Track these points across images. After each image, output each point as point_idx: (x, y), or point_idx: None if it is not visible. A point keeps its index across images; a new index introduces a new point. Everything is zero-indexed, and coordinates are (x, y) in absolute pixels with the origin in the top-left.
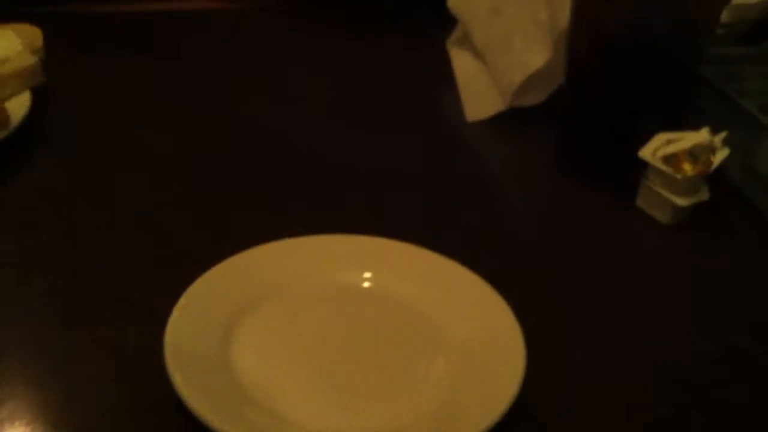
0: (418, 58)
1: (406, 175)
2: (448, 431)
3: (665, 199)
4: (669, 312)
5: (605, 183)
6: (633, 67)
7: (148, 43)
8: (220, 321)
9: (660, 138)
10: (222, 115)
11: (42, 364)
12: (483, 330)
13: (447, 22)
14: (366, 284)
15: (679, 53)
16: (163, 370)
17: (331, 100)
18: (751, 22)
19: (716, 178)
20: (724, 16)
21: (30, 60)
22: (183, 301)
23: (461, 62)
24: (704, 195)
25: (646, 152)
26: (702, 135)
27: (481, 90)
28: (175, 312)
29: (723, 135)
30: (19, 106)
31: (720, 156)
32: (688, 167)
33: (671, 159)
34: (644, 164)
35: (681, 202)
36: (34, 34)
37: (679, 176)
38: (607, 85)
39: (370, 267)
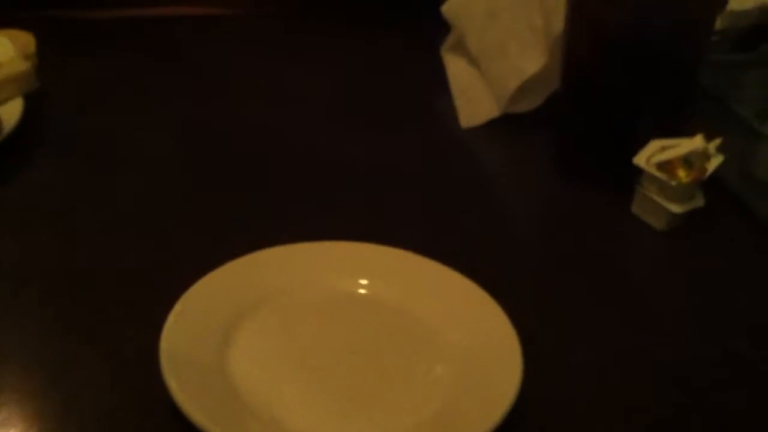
0: (417, 58)
1: (406, 176)
2: None
3: (660, 206)
4: (668, 315)
5: (604, 185)
6: (632, 68)
7: (144, 46)
8: (216, 327)
9: (654, 145)
10: (221, 116)
11: (39, 370)
12: (479, 336)
13: (446, 22)
14: (363, 291)
15: (679, 54)
16: (162, 376)
17: (331, 100)
18: (746, 28)
19: (713, 184)
20: (719, 23)
21: (23, 66)
22: (179, 306)
23: (455, 68)
24: (699, 201)
25: (640, 159)
26: (696, 142)
27: (475, 96)
28: (171, 318)
29: (717, 142)
30: (12, 112)
31: (714, 163)
32: (682, 174)
33: (666, 166)
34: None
35: (675, 208)
36: (26, 39)
37: (673, 183)
38: (606, 85)
39: (367, 274)
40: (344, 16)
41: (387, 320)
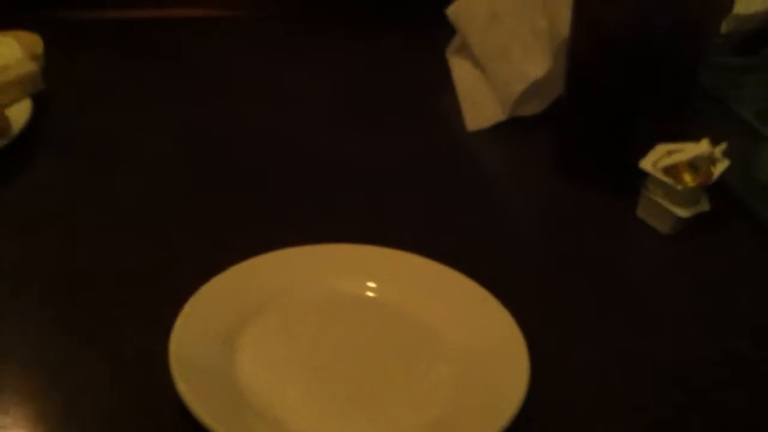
0: (418, 58)
1: (406, 176)
2: None
3: (665, 210)
4: (668, 315)
5: (604, 185)
6: (632, 68)
7: (145, 47)
8: (223, 329)
9: (660, 149)
10: (222, 117)
11: (40, 370)
12: (486, 340)
13: (447, 22)
14: (367, 293)
15: (679, 54)
16: (162, 376)
17: (331, 101)
18: (750, 31)
19: (715, 187)
20: (723, 26)
21: (30, 67)
22: (187, 309)
23: (460, 71)
24: (705, 206)
25: (646, 163)
26: (702, 146)
27: (480, 99)
28: (179, 320)
29: (723, 146)
30: (19, 113)
31: (720, 167)
32: (688, 178)
33: (672, 170)
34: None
35: (681, 212)
36: (33, 41)
37: (679, 187)
38: (606, 85)
39: (373, 276)
40: (344, 17)
41: (391, 322)
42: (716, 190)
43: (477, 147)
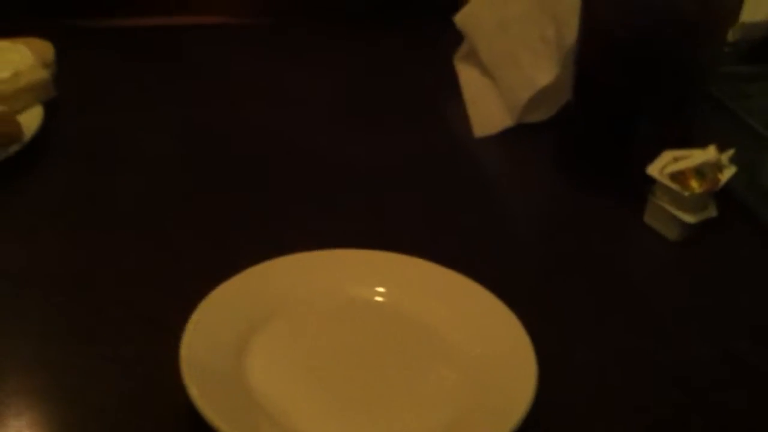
0: (418, 58)
1: (407, 176)
2: None
3: (673, 216)
4: (668, 315)
5: (606, 186)
6: (638, 72)
7: (145, 47)
8: (233, 334)
9: (667, 155)
10: (222, 117)
11: (40, 370)
12: (494, 346)
13: (447, 22)
14: (378, 299)
15: (679, 54)
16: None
17: (332, 101)
18: (757, 40)
19: (720, 193)
20: (731, 35)
21: (42, 74)
22: (197, 314)
23: (468, 77)
24: (712, 212)
25: (653, 169)
26: (709, 153)
27: (488, 106)
28: (190, 326)
29: (730, 153)
30: (31, 119)
31: (727, 173)
32: (695, 184)
33: (679, 176)
34: (643, 165)
35: (688, 219)
36: (45, 48)
37: (686, 193)
38: (613, 90)
39: (383, 282)
40: (344, 16)
41: (402, 328)
42: (719, 195)
43: (477, 147)
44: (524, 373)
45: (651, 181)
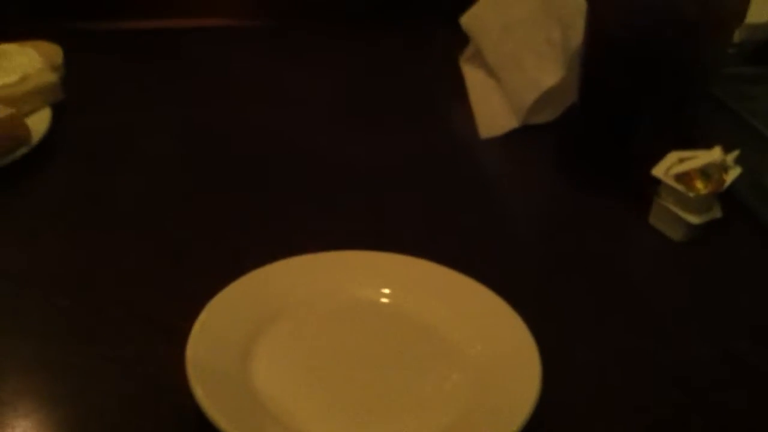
0: (418, 58)
1: (407, 176)
2: None
3: (678, 217)
4: (668, 315)
5: (605, 185)
6: (633, 69)
7: (145, 47)
8: (239, 336)
9: (673, 156)
10: (222, 117)
11: (41, 370)
12: (499, 347)
13: (447, 22)
14: (384, 300)
15: (678, 54)
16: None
17: (332, 101)
18: (762, 41)
19: (722, 194)
20: (737, 36)
21: (50, 77)
22: (203, 316)
23: (474, 79)
24: (717, 213)
25: (659, 170)
26: (714, 154)
27: (493, 107)
28: (196, 327)
29: (735, 154)
30: (39, 122)
31: (732, 175)
32: (700, 185)
33: (684, 177)
34: (645, 165)
35: (693, 219)
36: (54, 51)
37: (691, 194)
38: (609, 85)
39: (388, 283)
40: (344, 16)
41: (407, 330)
42: (722, 195)
43: (478, 147)
44: (528, 374)
45: (652, 181)
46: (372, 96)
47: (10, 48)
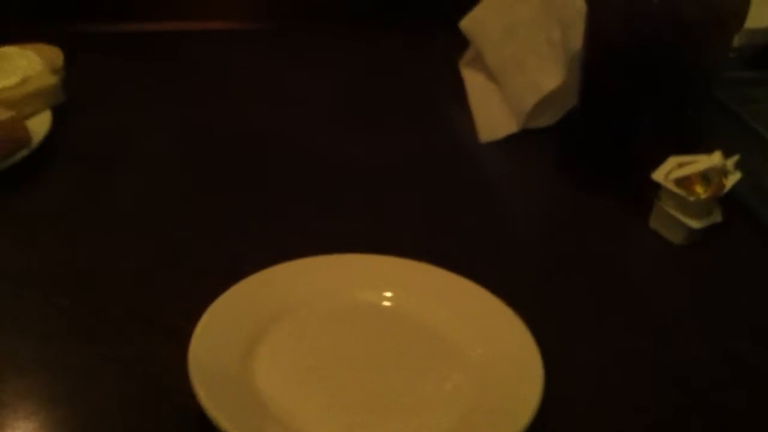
0: (418, 58)
1: (406, 177)
2: None
3: (678, 221)
4: (668, 315)
5: (605, 186)
6: (632, 70)
7: (145, 48)
8: (241, 337)
9: (673, 161)
10: (222, 117)
11: (41, 371)
12: (500, 349)
13: (447, 24)
14: (385, 303)
15: (678, 57)
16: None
17: (332, 101)
18: (762, 46)
19: (729, 199)
20: (737, 40)
21: (51, 80)
22: (206, 317)
23: (474, 83)
24: (717, 217)
25: (659, 174)
26: (715, 158)
27: (493, 111)
28: (198, 328)
29: (735, 158)
30: (39, 124)
31: (732, 179)
32: (700, 190)
33: (684, 181)
34: (644, 168)
35: (694, 224)
36: (54, 54)
37: (691, 198)
38: (609, 88)
39: (390, 286)
40: (345, 17)
41: (409, 332)
42: (722, 197)
43: (478, 147)
44: (530, 376)
45: (652, 184)
46: (372, 96)
47: (11, 50)
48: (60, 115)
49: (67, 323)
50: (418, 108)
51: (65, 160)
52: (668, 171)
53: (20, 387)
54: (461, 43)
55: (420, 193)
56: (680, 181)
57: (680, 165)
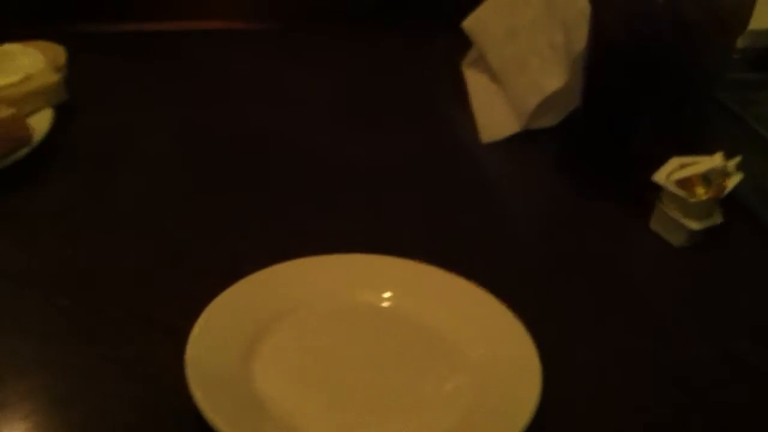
0: (418, 58)
1: (406, 177)
2: None
3: (678, 223)
4: (668, 315)
5: (606, 187)
6: (632, 70)
7: (145, 48)
8: (240, 338)
9: (674, 162)
10: (222, 117)
11: (40, 371)
12: (500, 350)
13: (448, 25)
14: (385, 304)
15: (678, 58)
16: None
17: (332, 101)
18: (766, 47)
19: (730, 201)
20: (740, 42)
21: (53, 77)
22: (203, 317)
23: (476, 83)
24: (717, 219)
25: (660, 176)
26: (716, 159)
27: (495, 111)
28: (196, 329)
29: (737, 160)
30: (40, 122)
31: (733, 180)
32: (701, 191)
33: (685, 183)
34: (645, 168)
35: (694, 225)
36: (57, 52)
37: (692, 200)
38: (610, 88)
39: (389, 287)
40: (345, 17)
41: (408, 333)
42: (726, 201)
43: (478, 148)
44: (528, 379)
45: (653, 184)
46: (372, 97)
47: (14, 48)
48: (61, 115)
49: (67, 323)
50: (419, 108)
51: (65, 160)
52: (669, 172)
53: (20, 387)
54: (462, 43)
55: (420, 193)
56: (681, 183)
57: (682, 166)
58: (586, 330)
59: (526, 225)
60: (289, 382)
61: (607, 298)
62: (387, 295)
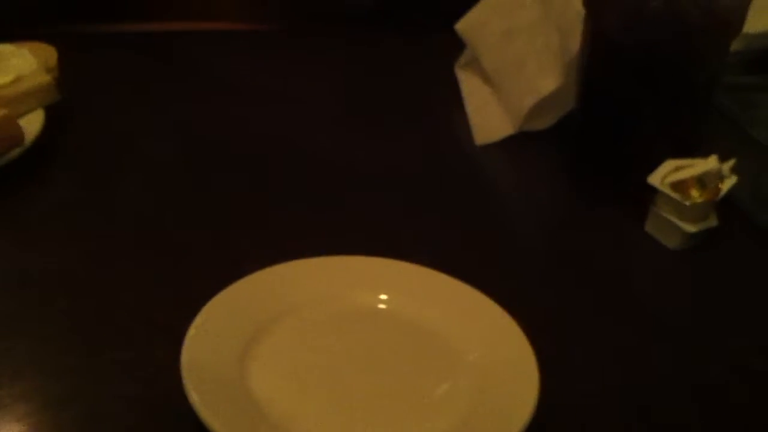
0: (418, 58)
1: (406, 177)
2: None
3: (673, 225)
4: (669, 316)
5: (605, 189)
6: (635, 75)
7: (145, 48)
8: (236, 339)
9: (669, 164)
10: (222, 118)
11: (39, 372)
12: (497, 353)
13: (447, 23)
14: (382, 306)
15: (678, 59)
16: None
17: (331, 102)
18: (761, 50)
19: (725, 204)
20: (735, 45)
21: (44, 78)
22: (199, 319)
23: (470, 85)
24: (713, 221)
25: (655, 178)
26: (711, 162)
27: (490, 113)
28: (192, 330)
29: (731, 163)
30: (33, 123)
31: (728, 183)
32: (696, 194)
33: (680, 185)
34: (644, 171)
35: (689, 228)
36: (48, 52)
37: (687, 203)
38: (609, 91)
39: (386, 289)
40: (344, 18)
41: (405, 335)
42: (726, 207)
43: (478, 149)
44: (526, 381)
45: (650, 187)
46: (372, 97)
47: (5, 49)
48: (59, 115)
49: (65, 324)
50: (418, 109)
51: (65, 161)
52: (664, 175)
53: (18, 389)
54: (462, 44)
55: (420, 193)
56: (676, 185)
57: (677, 169)
58: (583, 331)
59: (524, 227)
60: (286, 384)
61: (606, 298)
62: (384, 297)
